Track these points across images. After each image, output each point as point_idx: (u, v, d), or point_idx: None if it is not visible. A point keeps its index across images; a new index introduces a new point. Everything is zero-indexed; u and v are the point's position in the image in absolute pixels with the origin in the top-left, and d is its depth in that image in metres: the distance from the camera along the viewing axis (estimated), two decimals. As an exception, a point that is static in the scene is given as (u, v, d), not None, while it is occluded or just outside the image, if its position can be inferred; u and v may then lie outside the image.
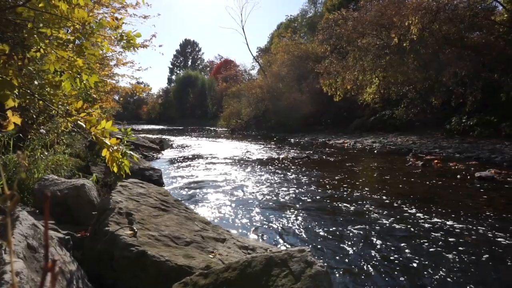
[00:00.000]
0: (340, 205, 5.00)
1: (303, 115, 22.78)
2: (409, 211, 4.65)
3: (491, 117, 13.03)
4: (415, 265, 3.03)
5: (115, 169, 2.38)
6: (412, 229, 3.95)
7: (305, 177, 7.17)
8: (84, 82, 2.50)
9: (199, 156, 10.99)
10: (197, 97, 52.35)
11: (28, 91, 2.32)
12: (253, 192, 5.83)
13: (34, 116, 4.77)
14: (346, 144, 14.75)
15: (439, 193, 5.75)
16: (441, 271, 2.90)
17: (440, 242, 3.55)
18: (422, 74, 14.65)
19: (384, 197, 5.40)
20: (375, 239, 3.65)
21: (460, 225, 4.05)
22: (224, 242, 2.66)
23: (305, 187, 6.25)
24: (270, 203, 5.14)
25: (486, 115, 13.34)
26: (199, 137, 21.40)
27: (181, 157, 10.89)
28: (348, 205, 4.96)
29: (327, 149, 13.28)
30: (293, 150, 12.72)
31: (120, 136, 2.64)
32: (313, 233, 3.87)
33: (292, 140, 18.22)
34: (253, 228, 4.07)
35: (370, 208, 4.79)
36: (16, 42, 3.71)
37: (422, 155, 10.26)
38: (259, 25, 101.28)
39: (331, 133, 20.03)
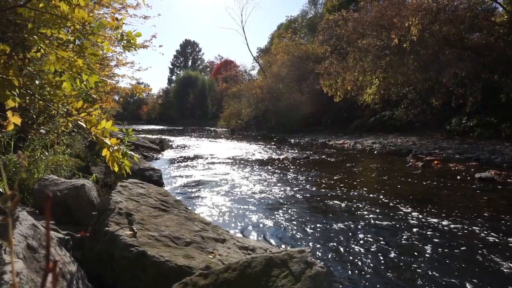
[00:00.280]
0: (340, 205, 5.00)
1: (303, 115, 22.79)
2: (409, 212, 4.65)
3: (491, 118, 13.04)
4: (414, 265, 3.03)
5: (116, 169, 2.38)
6: (411, 230, 3.94)
7: (305, 178, 7.17)
8: (84, 82, 2.51)
9: (199, 157, 10.99)
10: (197, 98, 52.36)
11: (29, 91, 2.32)
12: (253, 193, 5.83)
13: (34, 116, 4.77)
14: (346, 145, 14.75)
15: (439, 194, 5.75)
16: (441, 272, 2.89)
17: (440, 243, 3.55)
18: (422, 75, 14.66)
19: (384, 198, 5.40)
20: (375, 240, 3.65)
21: (460, 226, 4.05)
22: (224, 242, 2.66)
23: (305, 187, 6.25)
24: (270, 204, 5.14)
25: (486, 116, 13.34)
26: (199, 138, 21.40)
27: (181, 157, 10.89)
28: (348, 206, 4.96)
29: (327, 149, 13.27)
30: (293, 151, 12.72)
31: (121, 136, 2.64)
32: (313, 233, 3.87)
33: (292, 140, 18.22)
34: (253, 229, 4.07)
35: (370, 209, 4.79)
36: (16, 42, 3.71)
37: (422, 156, 10.27)
38: (259, 25, 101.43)
39: (331, 134, 20.04)
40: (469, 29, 13.28)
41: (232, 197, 5.51)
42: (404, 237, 3.75)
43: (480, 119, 13.41)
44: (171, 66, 68.58)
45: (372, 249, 3.40)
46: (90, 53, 2.50)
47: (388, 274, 2.89)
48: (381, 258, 3.19)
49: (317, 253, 3.34)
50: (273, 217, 4.49)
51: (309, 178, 7.12)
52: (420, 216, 4.46)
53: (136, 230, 2.36)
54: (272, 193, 5.81)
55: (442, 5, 12.96)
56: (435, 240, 3.64)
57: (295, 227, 4.09)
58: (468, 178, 6.95)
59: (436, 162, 8.95)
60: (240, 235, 3.67)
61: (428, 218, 4.37)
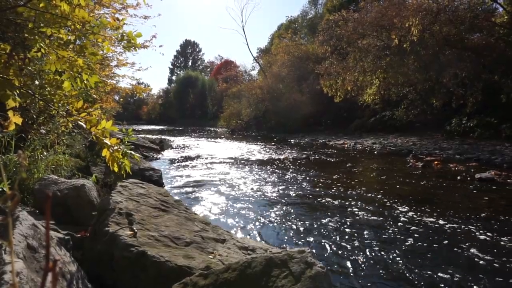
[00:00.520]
0: (340, 206, 5.00)
1: (303, 115, 22.80)
2: (409, 212, 4.65)
3: (491, 119, 13.04)
4: (414, 266, 3.02)
5: (116, 169, 2.38)
6: (411, 230, 3.94)
7: (305, 178, 7.17)
8: (85, 82, 2.51)
9: (199, 157, 10.99)
10: (197, 98, 52.36)
11: (29, 91, 2.32)
12: (253, 193, 5.83)
13: (35, 116, 4.77)
14: (346, 145, 14.75)
15: (439, 194, 5.74)
16: (440, 272, 2.89)
17: (440, 243, 3.55)
18: (423, 75, 14.66)
19: (384, 198, 5.39)
20: (375, 240, 3.65)
21: (460, 227, 4.05)
22: (224, 242, 2.66)
23: (305, 188, 6.25)
24: (270, 204, 5.14)
25: (487, 116, 13.34)
26: (199, 138, 21.40)
27: (181, 157, 10.89)
28: (349, 206, 4.96)
29: (327, 150, 13.27)
30: (293, 151, 12.72)
31: (121, 137, 2.64)
32: (313, 234, 3.87)
33: (292, 140, 18.22)
34: (253, 229, 4.07)
35: (370, 209, 4.79)
36: (16, 42, 3.71)
37: (422, 156, 10.26)
38: (260, 25, 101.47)
39: (331, 134, 20.04)
40: (470, 30, 13.28)
41: (232, 197, 5.51)
42: (404, 237, 3.74)
43: (480, 119, 13.41)
44: (171, 66, 68.67)
45: (372, 249, 3.40)
46: (91, 52, 2.50)
47: (388, 274, 2.89)
48: (381, 258, 3.19)
49: (317, 253, 3.34)
50: (273, 217, 4.49)
51: (309, 179, 7.12)
52: (420, 216, 4.45)
53: (136, 230, 2.36)
54: (272, 194, 5.81)
55: (442, 5, 12.96)
56: (435, 240, 3.64)
57: (295, 228, 4.09)
58: (468, 178, 6.95)
59: (436, 162, 8.95)
60: (240, 235, 3.67)
61: (428, 218, 4.37)
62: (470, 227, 4.04)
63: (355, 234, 3.83)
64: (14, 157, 3.69)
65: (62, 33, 2.46)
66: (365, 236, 3.79)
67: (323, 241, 3.66)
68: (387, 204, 5.08)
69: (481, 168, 8.05)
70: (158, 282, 2.10)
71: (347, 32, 16.17)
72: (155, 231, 2.47)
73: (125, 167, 2.43)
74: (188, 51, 69.22)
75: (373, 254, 3.30)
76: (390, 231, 3.93)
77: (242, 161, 9.93)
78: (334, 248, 3.46)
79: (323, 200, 5.33)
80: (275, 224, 4.23)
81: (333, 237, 3.75)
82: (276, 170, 8.28)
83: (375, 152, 12.15)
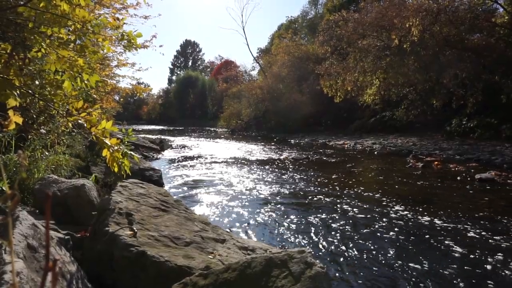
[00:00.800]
0: (340, 206, 5.00)
1: (303, 116, 22.79)
2: (409, 212, 4.65)
3: (492, 119, 13.03)
4: (413, 266, 3.02)
5: (116, 169, 2.38)
6: (411, 231, 3.94)
7: (305, 178, 7.17)
8: (85, 82, 2.51)
9: (199, 157, 10.99)
10: (198, 98, 52.35)
11: (29, 91, 2.32)
12: (253, 193, 5.83)
13: (35, 116, 4.77)
14: (346, 145, 14.75)
15: (439, 194, 5.74)
16: (439, 272, 2.89)
17: (440, 244, 3.55)
18: (423, 75, 14.65)
19: (384, 199, 5.39)
20: (374, 241, 3.65)
21: (460, 227, 4.05)
22: (223, 242, 2.66)
23: (305, 188, 6.25)
24: (270, 204, 5.14)
25: (487, 117, 13.34)
26: (199, 138, 21.40)
27: (181, 157, 10.89)
28: (348, 207, 4.96)
29: (327, 150, 13.27)
30: (293, 151, 12.72)
31: (121, 137, 2.64)
32: (313, 234, 3.87)
33: (292, 141, 18.22)
34: (253, 229, 4.07)
35: (370, 210, 4.79)
36: (17, 42, 3.71)
37: (422, 157, 10.26)
38: (260, 26, 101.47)
39: (331, 134, 20.03)
40: (470, 30, 13.27)
41: (232, 198, 5.51)
42: (404, 237, 3.74)
43: (481, 120, 13.41)
44: (171, 66, 68.66)
45: (372, 250, 3.40)
46: (91, 51, 2.50)
47: (388, 274, 2.89)
48: (381, 258, 3.19)
49: (317, 253, 3.34)
50: (273, 217, 4.49)
51: (309, 179, 7.12)
52: (420, 216, 4.45)
53: (136, 230, 2.36)
54: (272, 194, 5.81)
55: (442, 6, 12.95)
56: (435, 240, 3.64)
57: (295, 228, 4.09)
58: (468, 179, 6.95)
59: (436, 163, 8.95)
60: (240, 235, 3.67)
61: (428, 219, 4.37)
62: (470, 227, 4.03)
63: (355, 234, 3.83)
64: (14, 157, 3.69)
65: (62, 33, 2.46)
66: (365, 236, 3.79)
67: (323, 241, 3.66)
68: (387, 204, 5.08)
69: (481, 168, 8.05)
70: (158, 282, 2.10)
71: (347, 32, 16.16)
72: (155, 231, 2.47)
73: (125, 168, 2.43)
74: (188, 51, 69.20)
75: (373, 254, 3.30)
76: (389, 232, 3.93)
77: (242, 161, 9.93)
78: (334, 249, 3.46)
79: (323, 201, 5.33)
80: (275, 224, 4.23)
81: (333, 238, 3.75)
82: (276, 170, 8.28)
83: (375, 153, 12.15)
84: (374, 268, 3.00)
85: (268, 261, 1.87)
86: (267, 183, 6.70)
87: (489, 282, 2.75)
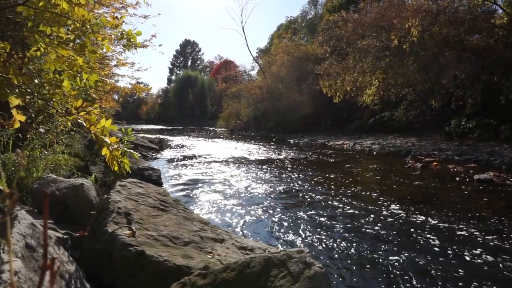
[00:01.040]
0: (338, 206, 5.00)
1: (303, 116, 22.78)
2: (407, 213, 4.65)
3: (491, 120, 13.05)
4: (412, 266, 3.03)
5: (116, 168, 2.38)
6: (409, 231, 3.95)
7: (304, 178, 7.17)
8: (85, 81, 2.50)
9: (198, 156, 10.99)
10: (197, 97, 52.30)
11: (28, 90, 2.32)
12: (252, 193, 5.83)
13: (33, 115, 4.75)
14: (345, 146, 14.76)
15: (437, 195, 5.75)
16: (437, 272, 2.90)
17: (438, 244, 3.55)
18: (422, 76, 14.66)
19: (382, 199, 5.40)
20: (373, 241, 3.65)
21: (459, 228, 4.06)
22: (222, 242, 2.66)
23: (304, 188, 6.25)
24: (269, 204, 5.14)
25: (486, 117, 13.36)
26: (198, 137, 21.39)
27: (180, 157, 10.89)
28: (347, 207, 4.96)
29: (326, 150, 13.28)
30: (292, 151, 12.73)
31: (120, 136, 2.64)
32: (312, 234, 3.87)
33: (291, 141, 18.22)
34: (252, 229, 4.07)
35: (369, 210, 4.79)
36: (16, 41, 3.71)
37: (421, 157, 10.28)
38: (259, 26, 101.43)
39: (330, 134, 20.04)
40: (469, 31, 13.29)
41: (230, 197, 5.51)
42: (402, 238, 3.75)
43: (479, 120, 13.42)
44: (170, 66, 68.56)
45: (370, 250, 3.40)
46: (90, 50, 2.50)
47: (386, 274, 2.89)
48: (380, 258, 3.20)
49: (316, 253, 3.34)
50: (272, 217, 4.49)
51: (308, 179, 7.12)
52: (418, 217, 4.46)
53: (135, 230, 2.36)
54: (271, 194, 5.81)
55: (442, 6, 12.97)
56: (433, 241, 3.64)
57: (294, 228, 4.09)
58: (467, 179, 6.96)
59: (435, 163, 8.96)
60: (239, 235, 3.66)
61: (427, 219, 4.37)
62: (469, 228, 4.04)
63: (354, 235, 3.84)
64: (13, 156, 3.68)
65: (61, 32, 2.45)
66: (364, 236, 3.79)
67: (322, 241, 3.66)
68: (386, 205, 5.08)
69: (480, 169, 8.06)
70: (156, 282, 2.10)
71: (346, 32, 16.17)
72: (154, 230, 2.47)
73: (124, 166, 2.43)
74: (187, 51, 69.14)
75: (372, 254, 3.30)
76: (388, 232, 3.93)
77: (241, 161, 9.93)
78: (333, 249, 3.46)
79: (322, 201, 5.34)
80: (274, 224, 4.23)
81: (332, 238, 3.75)
82: (275, 170, 8.28)
83: (374, 153, 12.16)
84: (373, 268, 3.01)
85: (267, 261, 1.87)
86: (266, 183, 6.70)
87: (487, 282, 2.76)
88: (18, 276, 1.36)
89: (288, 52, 26.48)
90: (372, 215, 4.54)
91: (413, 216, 4.51)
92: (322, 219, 4.41)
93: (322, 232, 3.93)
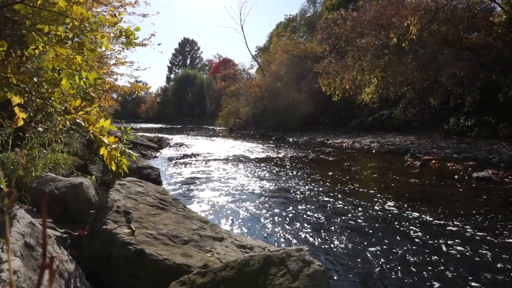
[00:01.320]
0: (338, 204, 5.01)
1: (302, 114, 22.78)
2: (406, 210, 4.66)
3: (489, 118, 13.07)
4: (410, 263, 3.04)
5: (114, 167, 2.37)
6: (408, 228, 3.96)
7: (303, 177, 7.18)
8: (84, 79, 2.49)
9: (197, 155, 10.99)
10: (196, 96, 52.23)
11: (26, 89, 2.31)
12: (251, 191, 5.84)
13: (32, 114, 4.74)
14: (344, 144, 14.77)
15: (436, 193, 5.76)
16: (437, 270, 2.91)
17: (437, 242, 3.56)
18: (421, 74, 14.66)
19: (381, 197, 5.41)
20: (372, 239, 3.66)
21: (457, 225, 4.07)
22: (222, 241, 2.66)
23: (303, 186, 6.25)
24: (268, 202, 5.15)
25: (484, 115, 13.38)
26: (198, 136, 21.38)
27: (179, 155, 10.88)
28: (346, 205, 4.97)
29: (325, 148, 13.29)
30: (291, 150, 12.73)
31: (119, 135, 2.63)
32: (311, 232, 3.88)
33: (290, 139, 18.23)
34: (251, 227, 4.08)
35: (368, 208, 4.80)
36: (14, 39, 3.69)
37: (420, 155, 10.29)
38: (258, 24, 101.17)
39: (329, 133, 20.05)
40: (468, 29, 13.29)
41: (230, 196, 5.51)
42: (401, 235, 3.76)
43: (478, 118, 13.44)
44: (169, 65, 68.42)
45: (369, 247, 3.41)
46: (89, 49, 2.49)
47: (385, 272, 2.90)
48: (379, 256, 3.20)
49: (315, 251, 3.35)
50: (271, 215, 4.50)
51: (307, 177, 7.13)
52: (417, 214, 4.47)
53: (134, 228, 2.36)
54: (270, 192, 5.81)
55: (441, 4, 12.96)
56: (432, 238, 3.65)
57: (293, 226, 4.09)
58: (466, 177, 6.97)
59: (434, 161, 8.97)
60: (238, 234, 3.67)
61: (425, 217, 4.38)
62: (467, 225, 4.05)
63: (353, 233, 3.85)
64: (12, 155, 3.68)
65: (60, 31, 2.44)
66: (363, 234, 3.80)
67: (321, 239, 3.67)
68: (384, 202, 5.09)
69: (478, 167, 8.08)
70: (156, 280, 2.10)
71: (345, 31, 16.15)
72: (153, 229, 2.47)
73: (123, 166, 2.42)
74: (186, 50, 69.00)
75: (371, 252, 3.31)
76: (387, 230, 3.94)
77: (240, 160, 9.93)
78: (332, 247, 3.47)
79: (321, 199, 5.34)
80: (273, 222, 4.24)
81: (331, 236, 3.76)
82: (274, 168, 8.28)
83: (373, 151, 12.17)
84: (372, 266, 3.01)
85: (266, 259, 1.87)
86: (265, 181, 6.71)
87: (486, 279, 2.77)
88: (17, 275, 1.36)
89: (287, 51, 26.45)
90: (371, 213, 4.55)
91: (412, 213, 4.52)
92: (321, 217, 4.42)
93: (321, 230, 3.94)
